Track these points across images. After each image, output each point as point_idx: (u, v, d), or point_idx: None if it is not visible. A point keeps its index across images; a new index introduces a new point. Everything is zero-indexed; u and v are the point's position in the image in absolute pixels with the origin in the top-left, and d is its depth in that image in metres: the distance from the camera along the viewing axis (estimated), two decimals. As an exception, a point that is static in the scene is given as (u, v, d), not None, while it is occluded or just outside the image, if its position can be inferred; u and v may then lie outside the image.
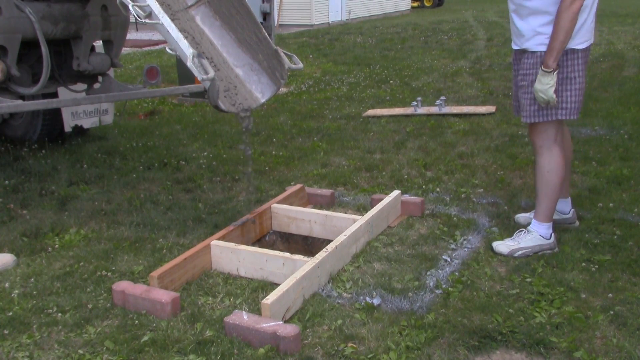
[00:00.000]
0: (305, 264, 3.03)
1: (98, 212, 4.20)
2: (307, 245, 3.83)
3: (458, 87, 8.36)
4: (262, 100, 3.52)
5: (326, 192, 4.30)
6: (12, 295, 3.10)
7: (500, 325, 2.71)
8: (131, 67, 11.02)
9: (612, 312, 2.78)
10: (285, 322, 2.71)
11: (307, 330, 2.73)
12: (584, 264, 3.25)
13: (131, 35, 12.47)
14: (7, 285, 3.21)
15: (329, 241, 3.39)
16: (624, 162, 4.85)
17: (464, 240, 3.60)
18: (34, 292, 3.11)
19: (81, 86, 4.91)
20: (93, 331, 2.76)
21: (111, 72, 4.97)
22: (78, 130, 5.92)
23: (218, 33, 3.60)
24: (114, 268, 3.36)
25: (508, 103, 7.18)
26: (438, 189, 4.46)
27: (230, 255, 3.29)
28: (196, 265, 3.25)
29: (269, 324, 2.60)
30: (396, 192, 3.99)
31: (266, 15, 6.53)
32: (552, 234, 3.43)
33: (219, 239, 3.40)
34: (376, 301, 2.94)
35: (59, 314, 2.90)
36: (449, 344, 2.60)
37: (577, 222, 3.74)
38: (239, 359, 2.52)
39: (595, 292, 2.98)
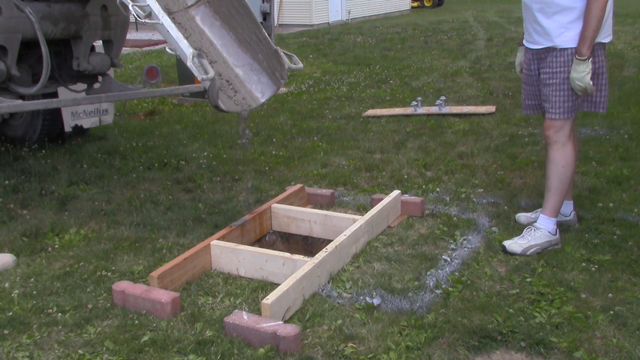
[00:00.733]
0: (305, 264, 3.03)
1: (98, 212, 4.21)
2: (307, 245, 3.83)
3: (458, 87, 8.36)
4: (262, 100, 3.51)
5: (326, 192, 4.30)
6: (12, 295, 3.10)
7: (500, 325, 2.71)
8: (131, 67, 11.02)
9: (612, 312, 2.78)
10: (285, 322, 2.71)
11: (307, 330, 2.73)
12: (584, 264, 3.26)
13: (131, 35, 12.49)
14: (7, 285, 3.21)
15: (329, 241, 3.39)
16: (624, 162, 4.86)
17: (464, 240, 3.60)
18: (34, 292, 3.11)
19: (81, 86, 4.91)
20: (93, 331, 2.76)
21: (111, 72, 4.98)
22: (78, 130, 5.92)
23: (218, 33, 3.60)
24: (114, 268, 3.36)
25: (508, 103, 7.18)
26: (438, 189, 4.46)
27: (230, 255, 3.29)
28: (196, 265, 3.25)
29: (269, 324, 2.60)
30: (396, 192, 3.99)
31: (266, 15, 6.53)
32: (558, 230, 3.47)
33: (219, 239, 3.40)
34: (376, 301, 2.94)
35: (59, 314, 2.90)
36: (449, 344, 2.60)
37: (577, 224, 3.74)
38: (239, 359, 2.52)
39: (595, 292, 2.98)
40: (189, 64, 3.04)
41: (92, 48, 4.68)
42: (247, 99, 3.46)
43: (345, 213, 3.97)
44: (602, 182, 4.44)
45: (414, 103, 6.91)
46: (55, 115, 5.71)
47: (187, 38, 3.22)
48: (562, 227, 3.65)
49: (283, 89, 8.56)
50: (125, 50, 12.89)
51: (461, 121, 6.43)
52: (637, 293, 2.95)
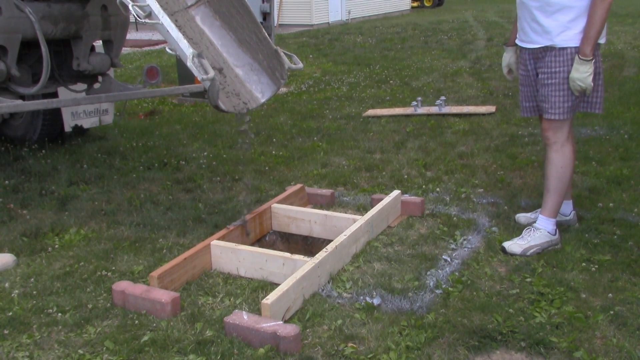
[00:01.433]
0: (305, 264, 3.03)
1: (98, 212, 4.21)
2: (307, 245, 3.83)
3: (458, 87, 8.36)
4: (262, 100, 3.51)
5: (326, 192, 4.30)
6: (12, 295, 3.10)
7: (500, 325, 2.71)
8: (131, 67, 11.02)
9: (612, 312, 2.78)
10: (285, 322, 2.71)
11: (307, 330, 2.73)
12: (584, 264, 3.25)
13: (131, 35, 12.49)
14: (7, 285, 3.21)
15: (329, 241, 3.39)
16: (624, 162, 4.85)
17: (464, 240, 3.60)
18: (34, 292, 3.11)
19: (81, 86, 4.91)
20: (93, 331, 2.76)
21: (111, 72, 4.98)
22: (78, 130, 5.92)
23: (218, 33, 3.60)
24: (114, 268, 3.36)
25: (508, 103, 7.18)
26: (438, 189, 4.46)
27: (230, 255, 3.29)
28: (196, 265, 3.25)
29: (269, 324, 2.60)
30: (396, 192, 3.99)
31: (266, 15, 6.53)
32: (557, 230, 3.47)
33: (219, 239, 3.40)
34: (376, 301, 2.94)
35: (59, 314, 2.90)
36: (449, 344, 2.60)
37: (577, 224, 3.74)
38: (239, 359, 2.52)
39: (595, 292, 2.98)
40: (189, 64, 3.04)
41: (92, 48, 4.68)
42: (247, 101, 3.45)
43: (345, 213, 3.97)
44: (602, 182, 4.44)
45: (414, 103, 6.91)
46: (55, 115, 5.71)
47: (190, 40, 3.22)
48: (562, 227, 3.65)
49: (283, 89, 8.56)
50: (125, 50, 12.89)
51: (461, 121, 6.43)
52: (637, 293, 2.95)
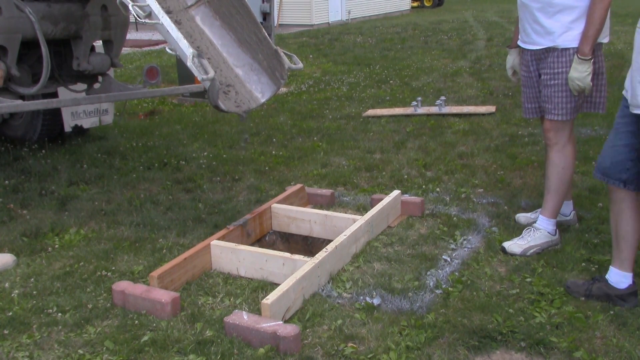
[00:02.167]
0: (305, 264, 3.03)
1: (98, 212, 4.21)
2: (307, 245, 3.83)
3: (458, 87, 8.35)
4: (262, 100, 3.51)
5: (326, 192, 4.30)
6: (12, 295, 3.10)
7: (500, 325, 2.71)
8: (131, 67, 11.02)
9: (612, 312, 2.78)
10: (285, 322, 2.71)
11: (307, 330, 2.73)
12: (584, 264, 3.25)
13: (131, 35, 12.48)
14: (7, 285, 3.21)
15: (329, 241, 3.39)
16: (624, 162, 4.85)
17: (464, 240, 3.60)
18: (34, 292, 3.11)
19: (81, 86, 4.91)
20: (93, 331, 2.76)
21: (111, 72, 4.97)
22: (78, 130, 5.92)
23: (218, 33, 3.60)
24: (114, 268, 3.36)
25: (508, 103, 7.18)
26: (438, 189, 4.46)
27: (230, 255, 3.29)
28: (196, 265, 3.25)
29: (269, 324, 2.60)
30: (396, 192, 3.99)
31: (266, 15, 6.52)
32: (557, 230, 3.47)
33: (219, 239, 3.40)
34: (376, 301, 2.94)
35: (59, 314, 2.90)
36: (449, 344, 2.60)
37: (577, 224, 3.74)
38: (239, 359, 2.52)
39: (595, 292, 2.98)
40: (189, 64, 3.04)
41: (92, 48, 4.68)
42: (246, 101, 3.45)
43: (345, 213, 3.97)
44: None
45: (414, 103, 6.91)
46: (55, 115, 5.70)
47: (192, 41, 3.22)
48: (562, 227, 3.65)
49: (283, 89, 8.56)
50: (125, 50, 12.88)
51: (461, 121, 6.43)
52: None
